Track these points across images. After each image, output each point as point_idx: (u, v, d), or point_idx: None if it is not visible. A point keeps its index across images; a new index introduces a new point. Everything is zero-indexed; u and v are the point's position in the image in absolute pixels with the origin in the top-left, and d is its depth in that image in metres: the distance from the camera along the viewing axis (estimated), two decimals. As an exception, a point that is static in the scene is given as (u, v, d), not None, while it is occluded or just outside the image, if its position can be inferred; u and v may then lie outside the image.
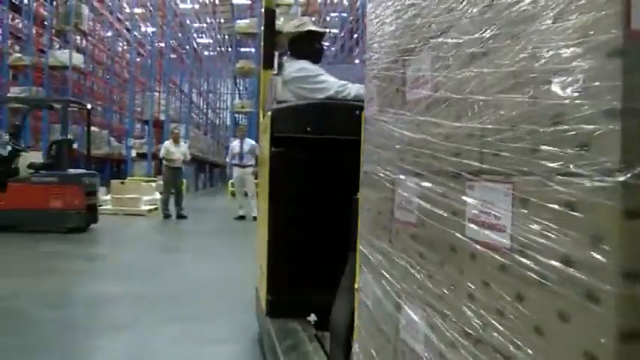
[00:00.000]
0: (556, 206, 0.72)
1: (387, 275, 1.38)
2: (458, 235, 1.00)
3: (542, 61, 0.76)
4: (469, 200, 0.96)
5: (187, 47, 30.11)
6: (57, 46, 22.27)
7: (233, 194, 11.83)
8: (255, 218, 11.21)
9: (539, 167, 0.76)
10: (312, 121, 2.78)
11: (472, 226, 0.95)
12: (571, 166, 0.69)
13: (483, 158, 0.91)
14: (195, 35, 32.68)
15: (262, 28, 3.44)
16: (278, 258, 2.86)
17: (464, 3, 0.98)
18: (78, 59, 21.15)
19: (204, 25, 34.98)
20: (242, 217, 11.69)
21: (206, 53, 37.49)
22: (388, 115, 1.38)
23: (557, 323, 0.72)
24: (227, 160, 12.85)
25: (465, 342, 0.96)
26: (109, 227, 9.96)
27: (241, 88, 37.61)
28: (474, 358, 0.93)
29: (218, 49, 40.20)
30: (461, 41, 0.98)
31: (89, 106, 10.90)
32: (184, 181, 22.46)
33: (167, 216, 11.74)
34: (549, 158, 0.74)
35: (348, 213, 2.24)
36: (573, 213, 0.69)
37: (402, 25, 1.28)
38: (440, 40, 1.07)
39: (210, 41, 38.32)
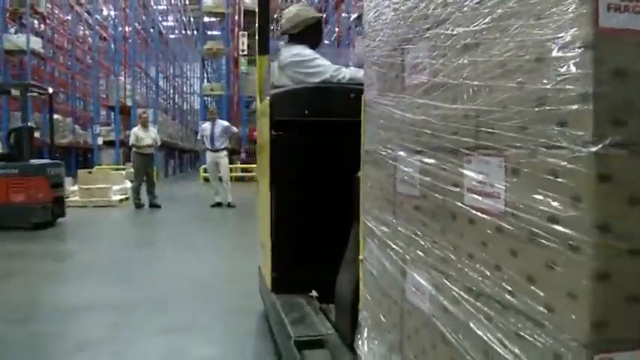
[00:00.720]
0: (542, 174, 0.86)
1: (392, 244, 1.53)
2: (457, 203, 1.14)
3: (527, 51, 0.89)
4: (467, 172, 1.10)
5: (152, 30, 29.04)
6: (13, 31, 21.18)
7: (206, 180, 11.17)
8: (230, 205, 10.86)
9: (527, 142, 0.90)
10: (309, 104, 2.91)
11: (470, 195, 1.09)
12: (553, 140, 0.83)
13: (479, 135, 1.05)
14: (160, 18, 31.62)
15: (257, 13, 3.53)
16: (281, 237, 2.99)
17: (457, -1, 1.11)
18: (36, 43, 20.09)
19: (169, 6, 34.19)
20: (219, 204, 11.10)
21: (172, 36, 36.81)
22: (388, 98, 1.51)
23: (546, 272, 0.86)
24: (200, 144, 12.07)
25: (468, 297, 1.11)
26: (78, 221, 9.17)
27: (210, 70, 36.24)
28: (476, 310, 1.08)
29: (184, 32, 39.18)
30: (456, 33, 1.11)
31: (51, 91, 9.66)
32: (154, 167, 22.09)
33: (139, 205, 11.07)
34: (535, 134, 0.88)
35: (348, 191, 2.39)
36: (556, 179, 0.83)
37: (400, 17, 1.41)
38: (436, 31, 1.20)
39: (175, 24, 37.38)
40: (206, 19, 27.81)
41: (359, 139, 1.99)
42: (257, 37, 3.56)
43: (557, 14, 0.82)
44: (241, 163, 21.44)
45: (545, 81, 0.85)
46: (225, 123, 11.34)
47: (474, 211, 1.07)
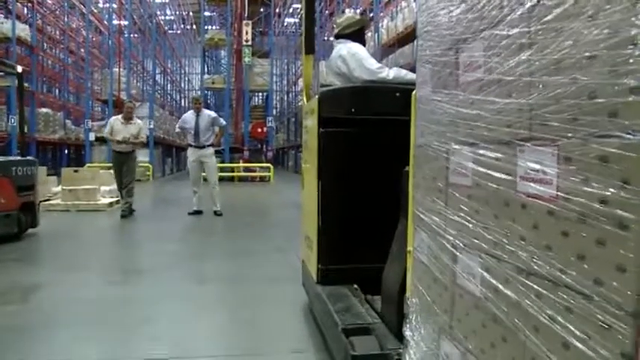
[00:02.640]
0: (593, 160, 0.95)
1: (443, 232, 1.62)
2: (510, 191, 1.23)
3: (581, 50, 0.99)
4: (520, 162, 1.19)
5: (149, 22, 26.60)
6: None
7: (206, 180, 9.28)
8: (216, 213, 9.03)
9: (579, 132, 0.99)
10: (356, 102, 3.02)
11: (523, 182, 1.18)
12: (604, 129, 0.92)
13: (532, 127, 1.14)
14: (158, 11, 29.43)
15: (304, 15, 3.66)
16: (328, 230, 3.11)
17: (512, 2, 1.20)
18: (23, 30, 18.49)
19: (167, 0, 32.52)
20: (198, 212, 9.14)
21: (170, 31, 34.80)
22: (442, 94, 1.61)
23: (596, 249, 0.95)
24: (181, 136, 9.87)
25: (518, 276, 1.20)
26: (53, 232, 7.45)
27: (209, 64, 34.03)
28: (527, 288, 1.17)
29: (182, 26, 37.78)
30: (511, 33, 1.21)
31: (20, 69, 7.56)
32: (150, 166, 19.81)
33: (125, 215, 9.01)
34: (586, 125, 0.97)
35: (393, 186, 2.50)
36: (606, 164, 0.92)
37: (455, 19, 1.51)
38: (491, 32, 1.30)
39: (173, 18, 35.65)
40: (207, 13, 25.98)
41: (403, 135, 2.09)
42: (303, 37, 3.69)
43: (610, 15, 0.91)
44: (244, 162, 20.24)
45: (597, 76, 0.94)
46: (212, 114, 9.33)
47: (527, 197, 1.17)
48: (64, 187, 10.17)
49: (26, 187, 6.91)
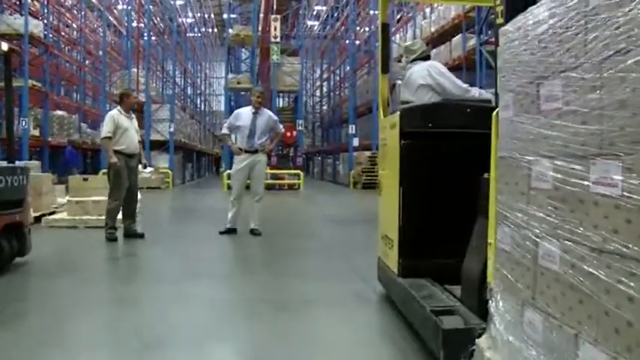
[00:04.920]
0: (648, 170, 1.41)
1: (525, 225, 2.07)
2: (584, 191, 1.68)
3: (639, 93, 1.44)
4: (592, 170, 1.64)
5: (170, 22, 25.42)
6: (10, 13, 18.08)
7: (230, 188, 7.84)
8: (254, 232, 7.39)
9: (638, 152, 1.44)
10: (433, 117, 3.49)
11: (595, 185, 1.63)
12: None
13: (602, 146, 1.59)
14: (178, 11, 27.78)
15: (380, 38, 4.17)
16: (408, 230, 3.57)
17: (588, 53, 1.66)
18: (36, 26, 17.01)
19: (187, 2, 30.81)
20: (232, 231, 7.48)
21: (191, 34, 33.37)
22: (524, 118, 2.07)
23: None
24: (224, 136, 8.14)
25: (592, 254, 1.65)
26: (48, 263, 5.64)
27: (232, 65, 29.98)
28: (599, 262, 1.62)
29: (203, 29, 36.83)
30: (585, 77, 1.66)
31: (4, 47, 5.40)
32: (170, 172, 18.67)
33: (112, 238, 6.89)
34: (644, 145, 1.43)
35: (466, 191, 2.97)
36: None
37: (536, 60, 1.97)
38: (569, 74, 1.75)
39: (192, 20, 33.82)
40: (232, 15, 23.98)
41: (474, 145, 2.55)
42: (380, 58, 4.19)
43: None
44: (271, 169, 17.58)
45: (651, 113, 1.39)
46: (273, 115, 7.83)
47: (598, 196, 1.62)
48: (71, 199, 8.54)
49: (12, 204, 5.11)
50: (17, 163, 5.81)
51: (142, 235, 7.13)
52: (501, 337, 2.27)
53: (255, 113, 7.37)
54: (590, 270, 1.65)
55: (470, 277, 2.89)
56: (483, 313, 2.56)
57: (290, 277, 5.17)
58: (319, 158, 32.15)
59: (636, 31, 1.45)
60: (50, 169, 15.71)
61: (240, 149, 7.33)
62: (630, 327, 1.47)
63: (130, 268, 5.83)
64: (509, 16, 2.32)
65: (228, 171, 12.72)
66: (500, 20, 2.53)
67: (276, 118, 7.79)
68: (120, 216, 7.13)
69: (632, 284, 1.47)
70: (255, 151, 7.34)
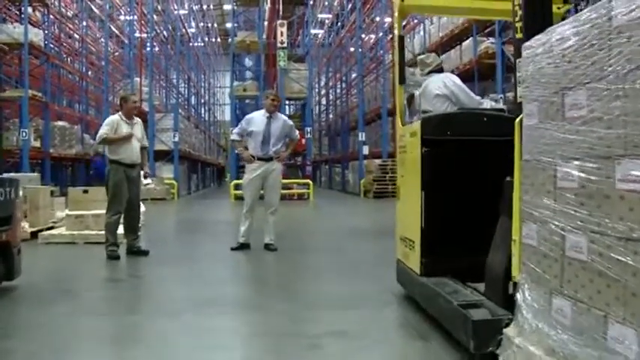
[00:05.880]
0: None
1: (552, 220, 2.30)
2: (610, 188, 1.91)
3: (660, 102, 1.68)
4: (617, 169, 1.87)
5: (173, 32, 25.65)
6: (11, 22, 17.69)
7: (239, 199, 7.44)
8: (270, 247, 6.85)
9: (660, 150, 1.68)
10: (452, 126, 3.73)
11: (620, 182, 1.86)
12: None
13: (626, 148, 1.82)
14: (181, 21, 27.60)
15: (397, 50, 4.41)
16: (429, 232, 3.79)
17: (612, 67, 1.89)
18: (36, 35, 16.76)
19: (190, 12, 30.95)
20: (245, 246, 6.91)
21: (195, 44, 33.44)
22: (549, 124, 2.30)
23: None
24: (234, 143, 7.91)
25: (619, 242, 1.87)
26: (39, 287, 4.92)
27: (237, 72, 28.19)
28: (625, 249, 1.84)
29: (206, 38, 36.84)
30: (609, 88, 1.90)
31: None
32: (175, 183, 18.50)
33: (114, 256, 6.35)
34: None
35: (485, 194, 3.21)
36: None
37: (560, 72, 2.20)
38: (594, 85, 1.99)
39: (194, 31, 33.29)
40: (235, 24, 23.81)
41: (491, 151, 2.77)
42: (396, 70, 4.42)
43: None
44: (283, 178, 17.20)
45: (672, 118, 1.63)
46: (289, 120, 7.33)
47: (624, 192, 1.84)
48: (70, 213, 8.09)
49: None
50: (7, 175, 5.23)
51: (146, 253, 6.58)
52: (530, 324, 2.49)
53: (270, 118, 6.86)
54: (618, 257, 1.87)
55: (494, 272, 3.11)
56: (508, 306, 2.78)
57: (317, 302, 4.50)
58: (327, 167, 31.90)
59: (656, 48, 1.69)
60: (53, 182, 15.59)
61: (253, 157, 6.77)
62: (656, 304, 1.70)
63: (134, 294, 5.06)
64: (529, 32, 2.57)
65: (235, 181, 12.16)
66: (519, 35, 2.77)
67: (291, 123, 7.23)
68: (121, 230, 6.66)
69: (657, 267, 1.70)
70: (270, 159, 6.79)
